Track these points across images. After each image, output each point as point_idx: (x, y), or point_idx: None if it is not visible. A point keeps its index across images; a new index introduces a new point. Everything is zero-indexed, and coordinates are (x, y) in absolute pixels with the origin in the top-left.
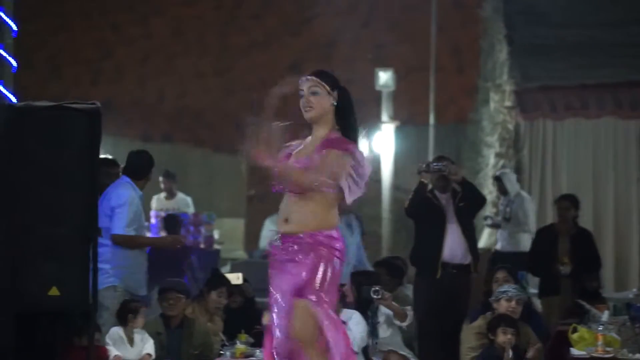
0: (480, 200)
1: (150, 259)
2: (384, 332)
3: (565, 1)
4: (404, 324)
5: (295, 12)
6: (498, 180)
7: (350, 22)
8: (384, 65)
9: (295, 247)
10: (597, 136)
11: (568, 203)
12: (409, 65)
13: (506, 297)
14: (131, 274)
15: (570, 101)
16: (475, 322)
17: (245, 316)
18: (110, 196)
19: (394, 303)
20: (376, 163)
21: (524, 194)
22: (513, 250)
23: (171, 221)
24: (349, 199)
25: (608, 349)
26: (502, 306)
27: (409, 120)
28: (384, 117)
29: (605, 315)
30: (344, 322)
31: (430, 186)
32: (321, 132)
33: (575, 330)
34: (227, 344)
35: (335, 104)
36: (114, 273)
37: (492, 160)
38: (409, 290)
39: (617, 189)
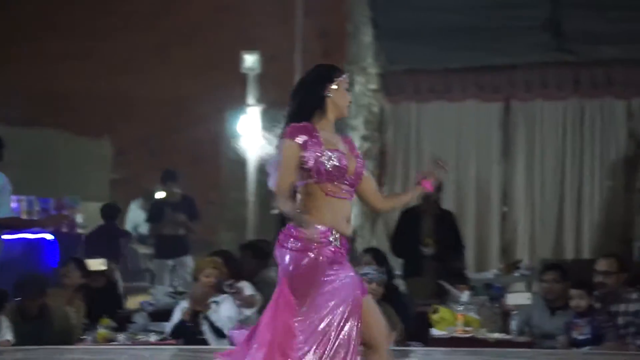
0: None
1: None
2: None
3: None
4: (253, 310)
5: None
6: None
7: (215, 4)
8: (250, 48)
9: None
10: (460, 119)
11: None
12: (275, 48)
13: (367, 279)
14: None
15: (434, 84)
16: None
17: (107, 300)
18: None
19: (246, 292)
20: (241, 147)
21: None
22: None
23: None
24: None
25: (467, 328)
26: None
27: (275, 104)
28: (250, 100)
29: (465, 296)
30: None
31: None
32: (330, 128)
33: (436, 311)
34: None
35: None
36: None
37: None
38: (274, 272)
39: (479, 171)
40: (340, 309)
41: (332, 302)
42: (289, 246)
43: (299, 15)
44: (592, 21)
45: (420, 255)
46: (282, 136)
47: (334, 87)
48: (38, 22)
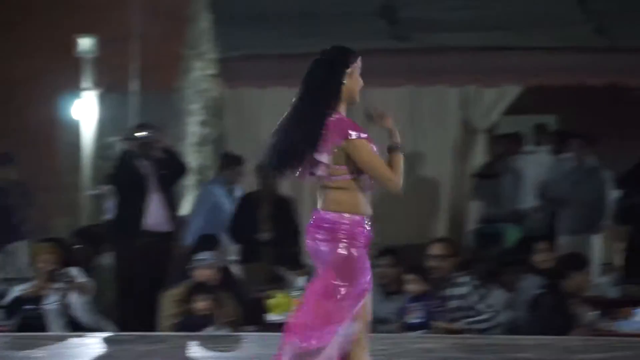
0: (183, 169)
1: None
2: None
3: None
4: (87, 297)
5: None
6: None
7: None
8: (86, 31)
9: None
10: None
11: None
12: (112, 31)
13: (204, 264)
14: None
15: (272, 70)
16: (174, 289)
17: None
18: None
19: (77, 279)
20: (76, 131)
21: None
22: None
23: None
24: None
25: None
26: (200, 273)
27: (112, 88)
28: (85, 84)
29: (301, 281)
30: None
31: (133, 154)
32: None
33: (272, 296)
34: None
35: None
36: None
37: (195, 128)
38: (107, 258)
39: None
40: None
41: None
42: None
43: None
44: (426, 9)
45: (257, 241)
46: (347, 137)
47: (349, 72)
48: None
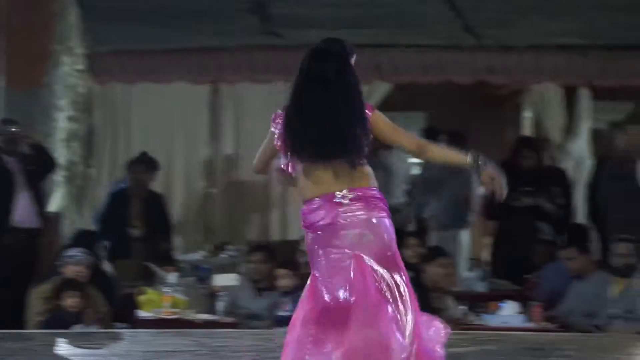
0: (51, 164)
1: None
2: None
3: None
4: None
5: None
6: None
7: None
8: None
9: None
10: (168, 100)
11: (143, 167)
12: None
13: (73, 260)
14: None
15: (142, 66)
16: (42, 286)
17: None
18: None
19: None
20: None
21: None
22: None
23: None
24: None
25: (174, 310)
26: (69, 270)
27: None
28: None
29: (172, 277)
30: None
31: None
32: None
33: (143, 293)
34: None
35: None
36: None
37: (64, 124)
38: None
39: (188, 153)
40: None
41: None
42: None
43: None
44: (297, 6)
45: (128, 237)
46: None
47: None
48: None
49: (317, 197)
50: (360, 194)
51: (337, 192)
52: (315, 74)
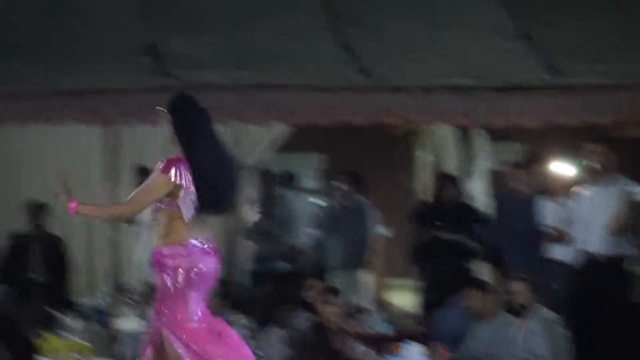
0: None
1: None
2: None
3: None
4: None
5: None
6: None
7: None
8: None
9: None
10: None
11: (40, 210)
12: None
13: None
14: None
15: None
16: None
17: None
18: None
19: None
20: None
21: None
22: None
23: None
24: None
25: (78, 356)
26: None
27: None
28: None
29: (73, 322)
30: None
31: None
32: None
33: (44, 338)
34: None
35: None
36: None
37: None
38: None
39: (83, 195)
40: None
41: None
42: None
43: None
44: (187, 46)
45: (29, 281)
46: None
47: None
48: None
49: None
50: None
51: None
52: (210, 131)
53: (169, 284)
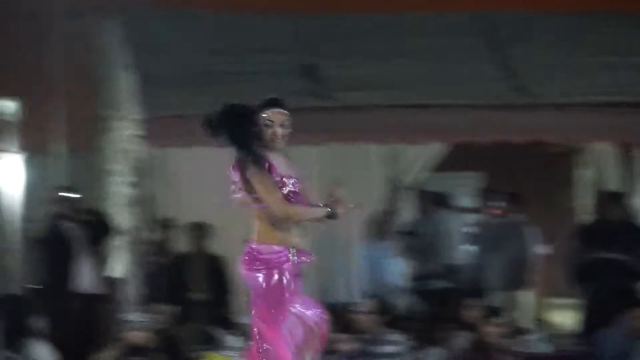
0: (109, 230)
1: None
2: None
3: (189, 30)
4: None
5: None
6: None
7: None
8: (8, 95)
9: None
10: (223, 163)
11: (200, 232)
12: (34, 94)
13: (136, 326)
14: None
15: (195, 130)
16: (105, 352)
17: None
18: None
19: None
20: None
21: None
22: None
23: None
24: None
25: None
26: (133, 335)
27: (35, 150)
28: (6, 146)
29: (236, 341)
30: None
31: (59, 216)
32: (280, 156)
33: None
34: None
35: None
36: None
37: (119, 188)
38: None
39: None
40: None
41: None
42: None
43: (57, 60)
44: (347, 67)
45: (190, 301)
46: None
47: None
48: None
49: None
50: None
51: None
52: None
53: (263, 281)
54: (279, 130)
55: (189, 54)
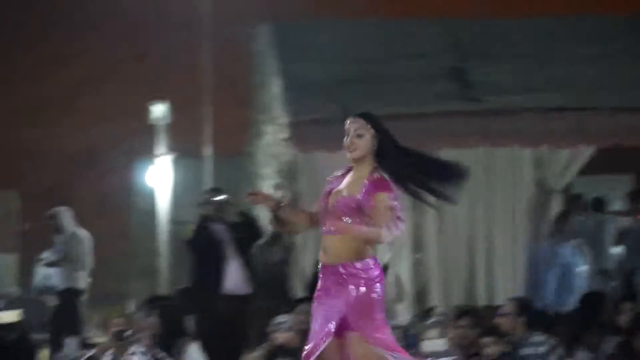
0: (258, 232)
1: None
2: None
3: (338, 37)
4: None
5: (67, 43)
6: (52, 218)
7: (122, 55)
8: (158, 99)
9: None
10: None
11: None
12: (184, 98)
13: (284, 327)
14: None
15: (342, 134)
16: (254, 352)
17: (19, 353)
18: None
19: None
20: (151, 196)
21: (80, 232)
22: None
23: None
24: (388, 238)
25: None
26: (280, 336)
27: (185, 153)
28: (159, 149)
29: None
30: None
31: (209, 218)
32: (363, 171)
33: None
34: None
35: (376, 146)
36: None
37: (269, 191)
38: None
39: None
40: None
41: None
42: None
43: (207, 65)
44: (496, 71)
45: None
46: None
47: None
48: None
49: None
50: None
51: None
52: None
53: (362, 294)
54: (355, 140)
55: (338, 59)
